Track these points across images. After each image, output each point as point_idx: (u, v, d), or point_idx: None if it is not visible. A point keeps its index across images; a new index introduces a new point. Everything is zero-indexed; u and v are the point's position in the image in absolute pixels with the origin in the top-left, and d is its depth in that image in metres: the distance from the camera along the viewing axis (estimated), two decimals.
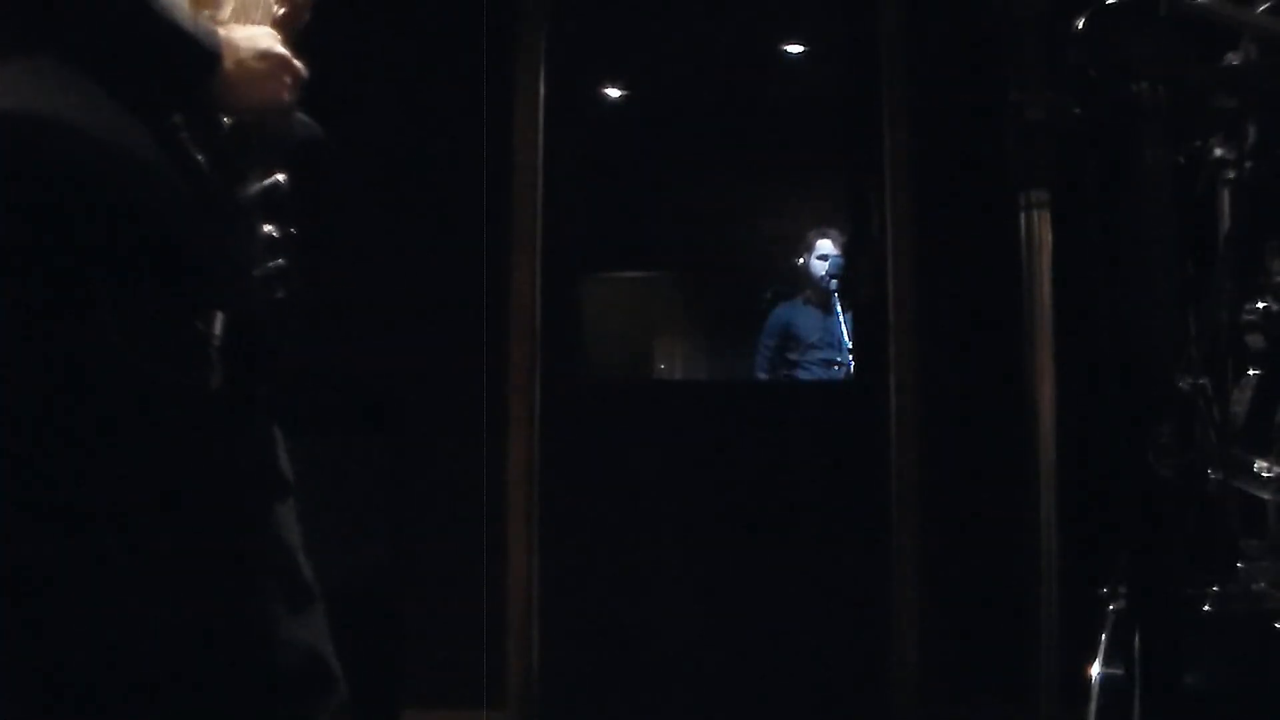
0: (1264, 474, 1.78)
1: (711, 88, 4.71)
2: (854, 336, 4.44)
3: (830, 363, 4.78)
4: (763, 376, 4.91)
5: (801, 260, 4.94)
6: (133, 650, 1.34)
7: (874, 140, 3.88)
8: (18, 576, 1.32)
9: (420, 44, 3.88)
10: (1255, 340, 1.87)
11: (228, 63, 1.43)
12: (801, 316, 4.89)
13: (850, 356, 4.60)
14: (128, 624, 1.33)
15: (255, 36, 1.48)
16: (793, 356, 4.84)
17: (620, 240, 5.30)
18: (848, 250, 4.62)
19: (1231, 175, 1.90)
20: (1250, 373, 1.92)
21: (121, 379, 1.32)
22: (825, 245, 4.83)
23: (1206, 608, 1.68)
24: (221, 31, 1.45)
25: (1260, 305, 1.85)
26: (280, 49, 1.49)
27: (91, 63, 1.33)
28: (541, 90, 3.92)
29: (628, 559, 3.88)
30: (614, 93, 5.18)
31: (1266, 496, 1.81)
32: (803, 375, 4.80)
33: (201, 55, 1.41)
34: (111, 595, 1.33)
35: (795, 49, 4.99)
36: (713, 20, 4.36)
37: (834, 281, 4.77)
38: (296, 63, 1.51)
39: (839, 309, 4.77)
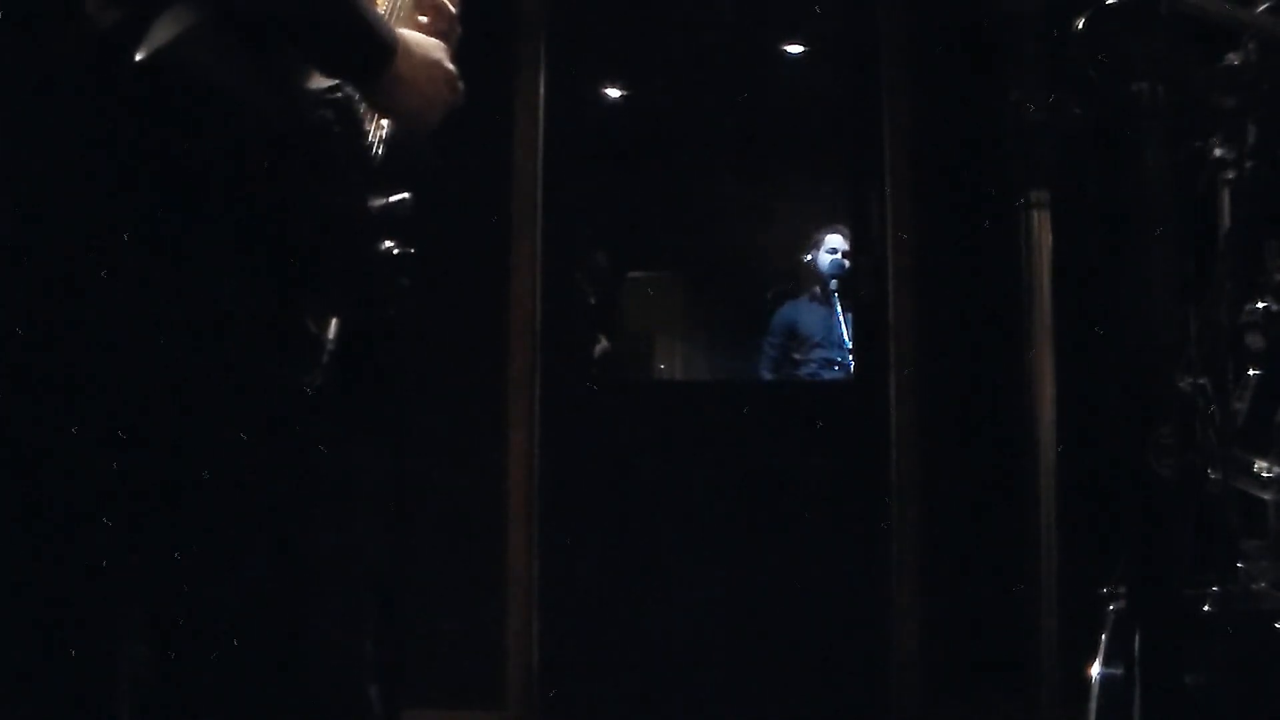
0: (1264, 474, 1.78)
1: (711, 88, 4.70)
2: (854, 336, 4.44)
3: (833, 361, 4.78)
4: (768, 376, 4.91)
5: (809, 257, 4.93)
6: (183, 643, 1.31)
7: (874, 140, 3.88)
8: (95, 565, 1.29)
9: None
10: (1255, 340, 1.88)
11: (401, 62, 1.40)
12: (806, 315, 4.89)
13: (850, 356, 4.60)
14: (216, 624, 1.30)
15: (430, 45, 1.47)
16: (797, 355, 4.84)
17: (620, 240, 5.30)
18: (848, 250, 4.62)
19: (1231, 175, 1.90)
20: (1250, 373, 1.92)
21: (231, 373, 1.29)
22: (835, 240, 4.82)
23: (1206, 608, 1.69)
24: (400, 32, 1.43)
25: (1260, 305, 1.85)
26: (449, 63, 1.48)
27: (269, 36, 1.30)
28: (541, 90, 3.92)
29: (628, 558, 3.88)
30: (614, 93, 5.17)
31: (1266, 496, 1.81)
32: (806, 374, 4.80)
33: (380, 45, 1.38)
34: (200, 594, 1.30)
35: (795, 49, 4.99)
36: (713, 20, 4.36)
37: (834, 281, 4.77)
38: (460, 83, 1.50)
39: (839, 308, 4.77)
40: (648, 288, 5.83)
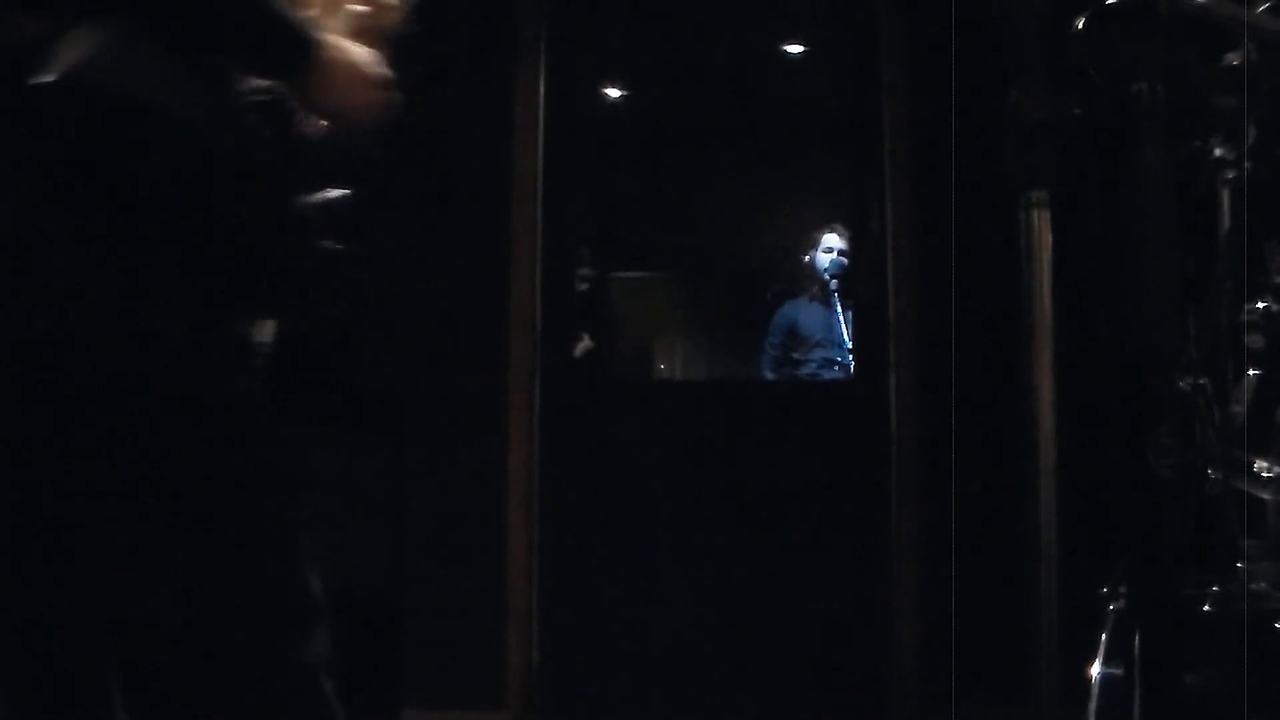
0: (1264, 474, 1.78)
1: (711, 88, 4.71)
2: (854, 336, 4.44)
3: (833, 361, 4.78)
4: (768, 376, 4.91)
5: (809, 256, 4.94)
6: (138, 650, 1.32)
7: (874, 140, 3.89)
8: (26, 569, 1.30)
9: (419, 43, 3.88)
10: (1255, 340, 1.87)
11: (325, 60, 1.40)
12: (806, 314, 4.89)
13: (850, 356, 4.60)
14: (142, 625, 1.31)
15: (355, 48, 1.46)
16: (797, 355, 4.84)
17: (620, 240, 5.30)
18: (848, 250, 4.62)
19: (1231, 175, 1.90)
20: (1250, 373, 1.92)
21: (165, 380, 1.28)
22: (831, 239, 4.82)
23: (1206, 608, 1.68)
24: (324, 35, 1.43)
25: (1260, 305, 1.85)
26: (376, 60, 1.47)
27: (188, 39, 1.29)
28: (541, 90, 3.92)
29: (628, 559, 3.89)
30: (614, 93, 5.17)
31: (1266, 496, 1.81)
32: (806, 374, 4.80)
33: (302, 44, 1.38)
34: (126, 596, 1.31)
35: (795, 49, 4.99)
36: (713, 20, 4.36)
37: (834, 281, 4.77)
38: (390, 77, 1.49)
39: (839, 307, 4.78)
40: (648, 288, 5.84)
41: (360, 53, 1.47)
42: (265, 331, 1.33)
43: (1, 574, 1.31)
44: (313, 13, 1.46)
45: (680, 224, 5.73)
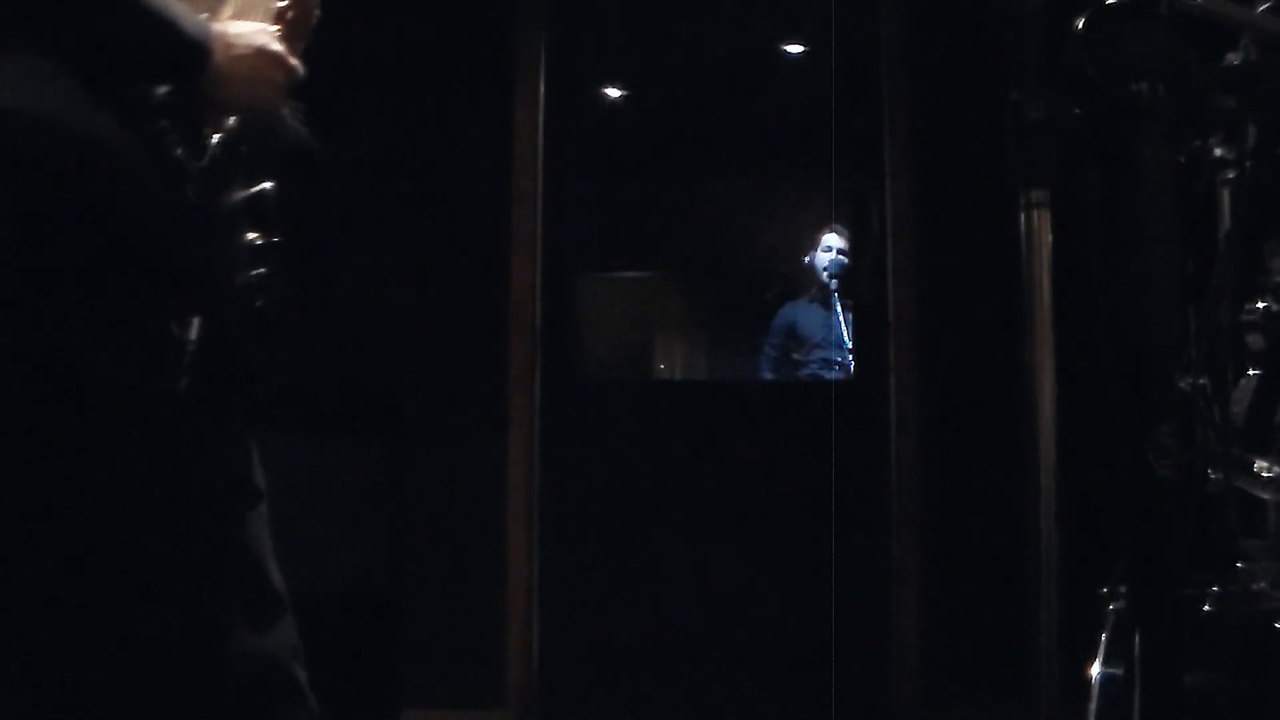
0: (1264, 474, 1.78)
1: (711, 88, 4.70)
2: (854, 336, 4.44)
3: (833, 361, 4.78)
4: (769, 376, 4.91)
5: (808, 257, 4.93)
6: (87, 657, 1.32)
7: (874, 140, 3.89)
8: None
9: (419, 44, 3.88)
10: (1255, 340, 1.88)
11: (219, 57, 1.39)
12: (806, 315, 4.88)
13: (850, 356, 4.60)
14: (84, 631, 1.31)
15: (249, 33, 1.43)
16: (797, 355, 4.84)
17: (620, 240, 5.30)
18: (848, 250, 4.62)
19: (1231, 175, 1.90)
20: (1250, 373, 1.92)
21: (92, 382, 1.30)
22: (832, 239, 4.82)
23: (1206, 608, 1.69)
24: (215, 26, 1.41)
25: (1260, 305, 1.85)
26: (275, 46, 1.44)
27: (75, 57, 1.30)
28: (541, 90, 3.92)
29: (628, 558, 3.89)
30: (614, 93, 5.17)
31: (1266, 496, 1.81)
32: (806, 374, 4.80)
33: (190, 46, 1.37)
34: (70, 601, 1.32)
35: (795, 49, 4.99)
36: (713, 20, 4.36)
37: (834, 281, 4.77)
38: (293, 61, 1.46)
39: (839, 307, 4.77)
40: (648, 288, 5.83)
41: (258, 37, 1.44)
42: (192, 329, 1.35)
43: None
44: (224, 14, 1.45)
45: (680, 224, 5.72)
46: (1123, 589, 1.67)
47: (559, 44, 3.98)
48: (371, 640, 3.15)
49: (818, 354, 4.81)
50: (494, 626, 3.74)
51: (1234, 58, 1.78)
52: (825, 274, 4.80)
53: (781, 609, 3.84)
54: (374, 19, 3.67)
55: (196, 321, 1.36)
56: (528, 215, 3.87)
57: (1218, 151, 1.89)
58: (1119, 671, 1.59)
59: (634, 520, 3.91)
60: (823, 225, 4.89)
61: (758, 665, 3.80)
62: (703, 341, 6.16)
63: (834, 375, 4.75)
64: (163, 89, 1.36)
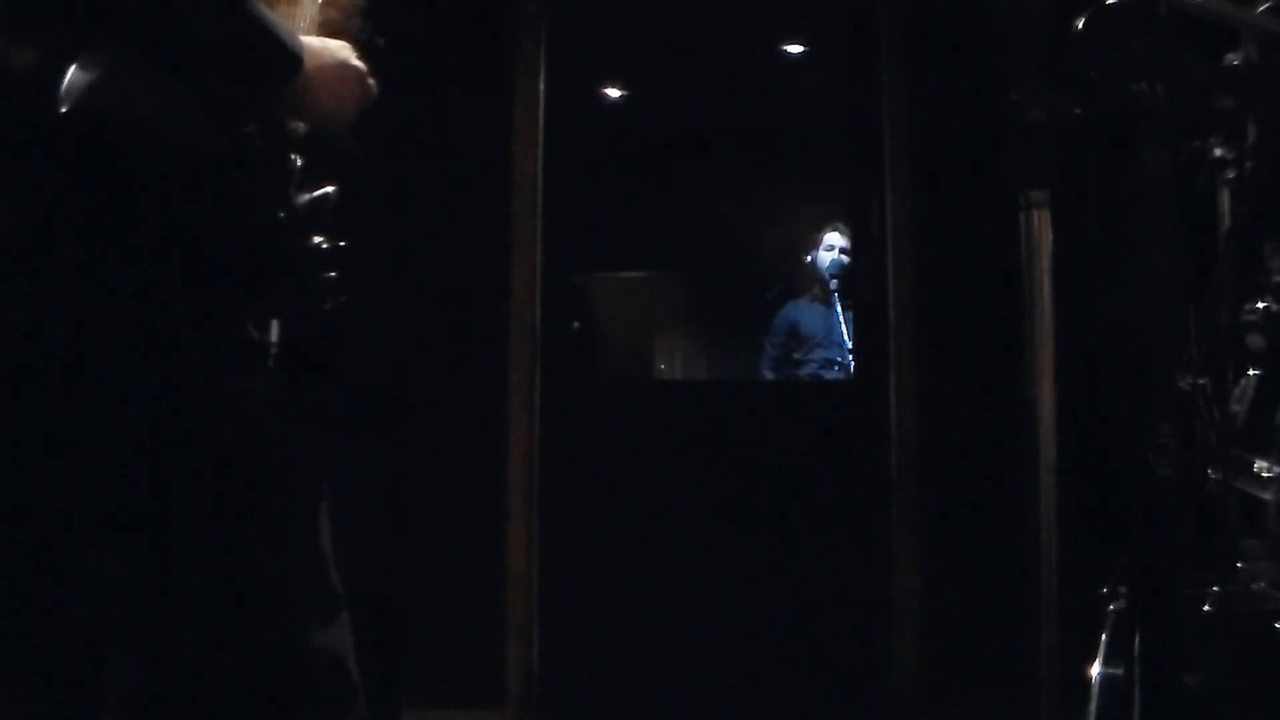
0: (1264, 474, 1.79)
1: (711, 88, 4.71)
2: (854, 336, 4.44)
3: (833, 361, 4.78)
4: (768, 376, 4.91)
5: (809, 256, 4.93)
6: (184, 645, 1.34)
7: (874, 140, 3.89)
8: (52, 573, 1.33)
9: (419, 43, 3.88)
10: (1255, 340, 1.88)
11: (309, 68, 1.44)
12: (807, 314, 4.89)
13: (850, 356, 4.60)
14: (181, 622, 1.34)
15: (334, 47, 1.51)
16: (797, 355, 4.85)
17: (620, 240, 5.30)
18: (849, 250, 4.62)
19: (1231, 175, 1.90)
20: (1250, 373, 1.92)
21: (179, 380, 1.33)
22: (834, 238, 4.82)
23: (1206, 608, 1.69)
24: (303, 38, 1.47)
25: (1260, 305, 1.85)
26: (357, 62, 1.52)
27: (175, 59, 1.33)
28: (541, 90, 3.92)
29: (628, 558, 3.89)
30: (614, 93, 5.17)
31: (1266, 496, 1.81)
32: (807, 374, 4.80)
33: (287, 58, 1.42)
34: (152, 596, 1.34)
35: (795, 49, 4.99)
36: (713, 20, 4.36)
37: (834, 281, 4.77)
38: (370, 78, 1.54)
39: (839, 307, 4.78)
40: (648, 288, 5.84)
41: (341, 52, 1.51)
42: (272, 331, 1.38)
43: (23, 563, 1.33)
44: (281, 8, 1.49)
45: (680, 224, 5.73)
46: (1123, 589, 1.67)
47: (559, 44, 3.98)
48: (371, 640, 3.15)
49: (818, 354, 4.82)
50: (494, 626, 3.73)
51: (1234, 58, 1.77)
52: (826, 274, 4.80)
53: (781, 609, 3.84)
54: (373, 19, 3.67)
55: (276, 324, 1.40)
56: (528, 215, 3.87)
57: (1218, 151, 1.89)
58: (1119, 671, 1.59)
59: (634, 520, 3.91)
60: (823, 225, 4.89)
61: (757, 664, 3.80)
62: (703, 341, 6.16)
63: (834, 375, 4.75)
64: (252, 98, 1.41)
